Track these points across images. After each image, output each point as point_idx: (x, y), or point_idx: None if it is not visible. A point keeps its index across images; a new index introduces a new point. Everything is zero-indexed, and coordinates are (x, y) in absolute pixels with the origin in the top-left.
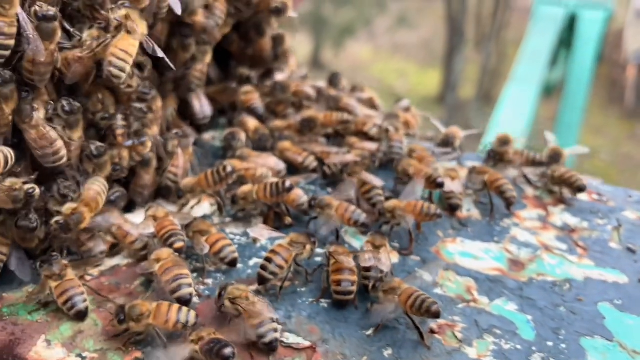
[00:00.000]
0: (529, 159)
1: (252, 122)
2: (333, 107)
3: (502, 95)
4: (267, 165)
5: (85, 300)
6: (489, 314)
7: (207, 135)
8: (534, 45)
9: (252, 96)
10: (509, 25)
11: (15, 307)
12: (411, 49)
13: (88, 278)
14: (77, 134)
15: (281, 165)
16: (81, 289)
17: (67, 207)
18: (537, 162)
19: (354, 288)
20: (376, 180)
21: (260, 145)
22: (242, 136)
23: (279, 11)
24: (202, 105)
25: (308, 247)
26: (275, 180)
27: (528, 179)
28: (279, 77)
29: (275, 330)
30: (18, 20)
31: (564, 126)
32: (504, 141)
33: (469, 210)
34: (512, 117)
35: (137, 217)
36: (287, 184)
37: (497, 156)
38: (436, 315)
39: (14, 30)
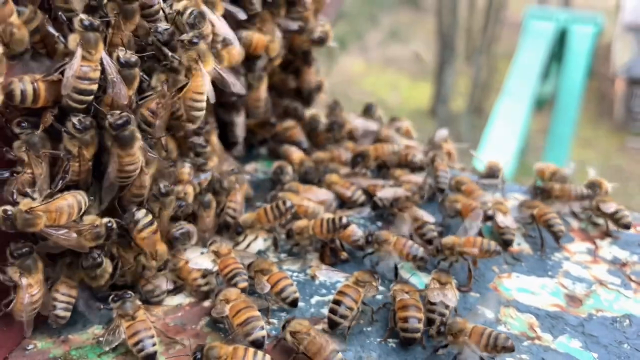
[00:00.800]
0: (577, 195)
1: (296, 154)
2: (373, 138)
3: (495, 109)
4: (318, 198)
5: (154, 344)
6: (555, 352)
7: (249, 167)
8: (525, 60)
9: (295, 131)
10: (499, 39)
11: (84, 350)
12: (403, 63)
13: (153, 319)
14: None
15: (331, 197)
16: (152, 331)
17: (25, 203)
18: (585, 196)
19: (421, 325)
20: (428, 216)
21: (306, 178)
22: (290, 169)
23: (322, 41)
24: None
25: (374, 284)
26: (331, 216)
27: (576, 214)
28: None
29: None
30: (102, 64)
31: (555, 139)
32: (550, 177)
33: (519, 244)
34: (505, 130)
35: (193, 253)
36: (344, 220)
37: (545, 193)
38: (512, 350)
39: (97, 74)
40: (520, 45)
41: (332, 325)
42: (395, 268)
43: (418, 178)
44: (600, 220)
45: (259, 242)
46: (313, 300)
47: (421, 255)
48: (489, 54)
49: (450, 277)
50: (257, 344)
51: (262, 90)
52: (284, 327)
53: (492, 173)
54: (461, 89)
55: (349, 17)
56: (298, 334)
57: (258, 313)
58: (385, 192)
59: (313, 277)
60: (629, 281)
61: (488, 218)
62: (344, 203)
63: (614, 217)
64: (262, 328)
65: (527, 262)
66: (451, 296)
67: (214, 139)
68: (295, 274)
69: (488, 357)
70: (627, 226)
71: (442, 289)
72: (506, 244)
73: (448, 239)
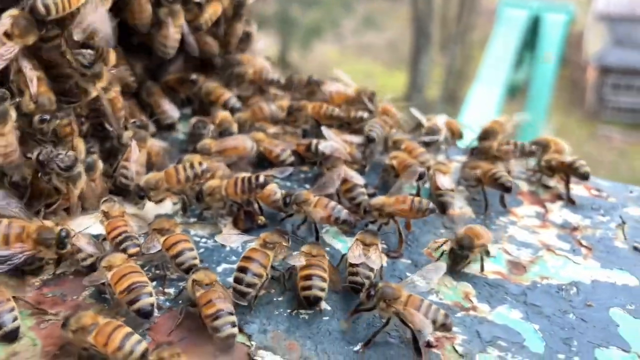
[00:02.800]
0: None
1: (221, 114)
2: (316, 91)
3: (468, 96)
4: (233, 144)
5: (15, 319)
6: (492, 323)
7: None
8: (498, 47)
9: (221, 91)
10: (474, 28)
11: None
12: (378, 51)
13: (27, 289)
14: None
15: (249, 144)
16: (10, 304)
17: None
18: (528, 152)
19: (324, 284)
20: (358, 178)
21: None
22: (210, 127)
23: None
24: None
25: (284, 245)
26: (246, 174)
27: (509, 171)
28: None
29: (234, 325)
30: None
31: (528, 126)
32: (485, 135)
33: (461, 208)
34: (478, 117)
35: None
36: (262, 178)
37: (483, 152)
38: (449, 329)
39: None
40: (494, 33)
41: (239, 297)
42: (316, 231)
43: (356, 138)
44: (552, 182)
45: (167, 206)
46: (220, 268)
47: (344, 218)
48: (464, 42)
49: (377, 238)
50: (143, 314)
51: (172, 30)
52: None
53: (431, 133)
54: (436, 77)
55: (323, 4)
56: (197, 284)
57: (146, 279)
58: (326, 144)
59: (224, 245)
60: (578, 246)
61: (420, 177)
62: (271, 164)
63: (571, 167)
64: (150, 295)
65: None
66: (375, 258)
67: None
68: (203, 239)
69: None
70: (585, 176)
71: (366, 249)
72: (444, 206)
73: (377, 199)
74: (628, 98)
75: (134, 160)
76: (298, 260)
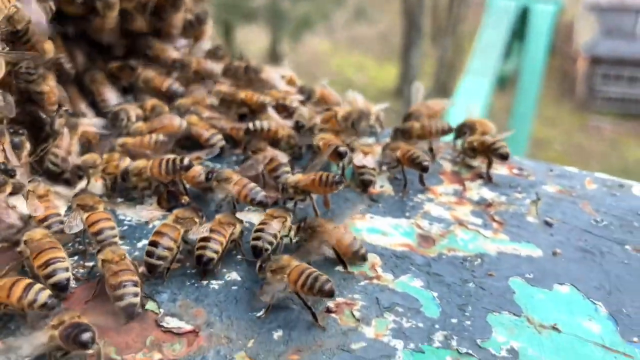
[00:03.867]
0: (438, 130)
1: (150, 101)
2: (254, 79)
3: (458, 87)
4: (162, 123)
5: None
6: (392, 291)
7: None
8: (488, 38)
9: (158, 79)
10: (465, 19)
11: None
12: (369, 43)
13: None
14: None
15: (177, 121)
16: None
17: None
18: (447, 130)
19: (219, 247)
20: (282, 157)
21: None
22: (132, 114)
23: None
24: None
25: (195, 220)
26: (172, 156)
27: (432, 149)
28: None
29: (135, 295)
30: None
31: (518, 117)
32: (407, 116)
33: (382, 186)
34: (467, 108)
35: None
36: (185, 161)
37: (405, 133)
38: (330, 295)
39: None
40: (483, 23)
41: (151, 269)
42: (234, 206)
43: (288, 122)
44: (475, 162)
45: (97, 186)
46: (140, 244)
47: (259, 199)
48: (455, 34)
49: (288, 214)
50: (59, 287)
51: (108, 21)
52: (98, 252)
53: (359, 120)
54: (427, 69)
55: None
56: (105, 262)
57: (63, 254)
58: (259, 122)
59: (147, 222)
60: (491, 221)
61: (339, 155)
62: (202, 147)
63: (491, 148)
64: (66, 270)
65: (386, 203)
66: (275, 225)
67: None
68: (128, 218)
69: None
70: (504, 156)
71: (269, 218)
72: (364, 184)
73: (293, 177)
74: (617, 88)
75: (63, 147)
76: (201, 232)
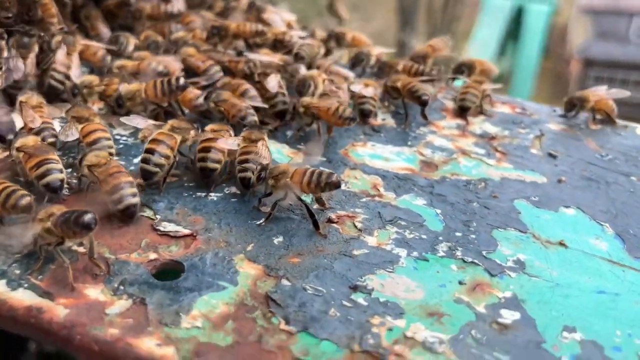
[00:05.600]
0: (418, 71)
1: (146, 32)
2: (254, 19)
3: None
4: (162, 62)
5: None
6: (395, 207)
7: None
8: (483, 36)
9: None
10: (460, 18)
11: None
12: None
13: None
14: None
15: (176, 65)
16: None
17: None
18: (421, 73)
19: (220, 157)
20: (278, 86)
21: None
22: (131, 40)
23: None
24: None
25: (192, 132)
26: (166, 77)
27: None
28: None
29: (134, 195)
30: None
31: None
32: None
33: (384, 119)
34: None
35: None
36: (181, 80)
37: (387, 67)
38: (337, 185)
39: None
40: (478, 22)
41: (146, 176)
42: (233, 127)
43: (286, 57)
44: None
45: (95, 109)
46: (136, 160)
47: (249, 120)
48: (450, 33)
49: (263, 134)
50: (52, 188)
51: None
52: (80, 163)
53: (358, 59)
54: None
55: None
56: (95, 167)
57: (56, 157)
58: (256, 55)
59: (143, 140)
60: (494, 152)
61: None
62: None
63: (411, 91)
64: (61, 171)
65: (388, 134)
66: (264, 153)
67: None
68: (124, 137)
69: (311, 202)
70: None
71: (253, 146)
72: (364, 114)
73: (305, 99)
74: None
75: (60, 63)
76: (203, 136)
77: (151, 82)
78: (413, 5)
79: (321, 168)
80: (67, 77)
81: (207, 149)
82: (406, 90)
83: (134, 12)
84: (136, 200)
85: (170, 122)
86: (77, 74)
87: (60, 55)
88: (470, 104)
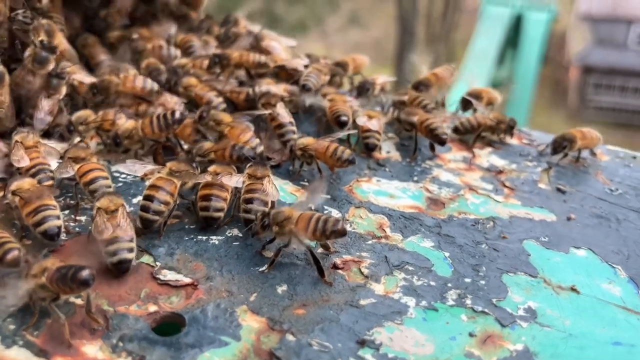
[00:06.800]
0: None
1: (147, 61)
2: (253, 46)
3: (450, 93)
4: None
5: None
6: (402, 250)
7: None
8: (482, 44)
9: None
10: (458, 26)
11: None
12: (363, 49)
13: None
14: None
15: (173, 101)
16: None
17: None
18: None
19: (224, 205)
20: (288, 117)
21: (157, 79)
22: (131, 72)
23: None
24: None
25: (191, 172)
26: (162, 111)
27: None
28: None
29: (130, 250)
30: None
31: None
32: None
33: (388, 152)
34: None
35: None
36: (177, 114)
37: (397, 104)
38: (343, 234)
39: None
40: (477, 30)
41: (146, 225)
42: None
43: (291, 87)
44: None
45: (92, 145)
46: (135, 200)
47: (246, 155)
48: (448, 41)
49: (267, 170)
50: (49, 235)
51: None
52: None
53: (363, 88)
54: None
55: (309, 1)
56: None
57: (54, 203)
58: (263, 86)
59: (143, 179)
60: (502, 187)
61: (340, 123)
62: None
63: (429, 129)
64: (58, 218)
65: (394, 168)
66: (271, 190)
67: None
68: (123, 175)
69: (315, 245)
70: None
71: (259, 184)
72: (369, 147)
73: (303, 139)
74: (609, 97)
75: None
76: (202, 178)
77: (147, 119)
78: (412, 13)
79: (326, 214)
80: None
81: (208, 198)
82: (423, 126)
83: (134, 48)
84: (131, 256)
85: (169, 164)
86: (41, 117)
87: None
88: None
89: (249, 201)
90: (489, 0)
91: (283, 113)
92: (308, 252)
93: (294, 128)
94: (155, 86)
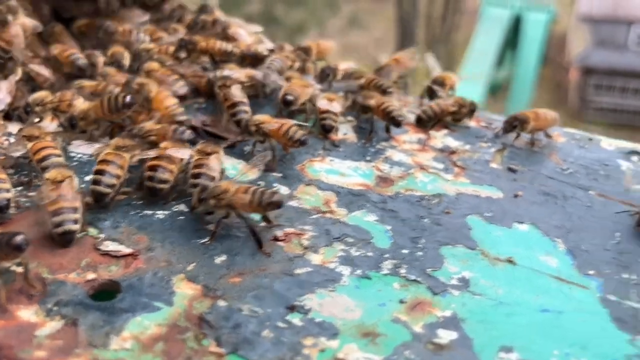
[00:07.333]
0: (376, 85)
1: (113, 48)
2: (220, 34)
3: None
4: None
5: None
6: (344, 224)
7: None
8: (481, 45)
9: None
10: (458, 28)
11: None
12: (363, 50)
13: None
14: None
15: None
16: None
17: None
18: (381, 87)
19: (168, 177)
20: (242, 96)
21: (119, 66)
22: (100, 60)
23: None
24: None
25: (137, 148)
26: (115, 92)
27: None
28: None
29: (75, 222)
30: None
31: None
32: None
33: (345, 134)
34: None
35: None
36: (128, 98)
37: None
38: (279, 205)
39: None
40: (477, 31)
41: (98, 198)
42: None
43: (254, 72)
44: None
45: (51, 126)
46: (88, 178)
47: (187, 139)
48: (449, 42)
49: (218, 147)
50: None
51: None
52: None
53: (324, 73)
54: (421, 77)
55: (309, 3)
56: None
57: (4, 176)
58: (226, 72)
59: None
60: (452, 166)
61: (285, 102)
62: None
63: (386, 111)
64: (7, 191)
65: (348, 148)
66: (214, 165)
67: None
68: (79, 155)
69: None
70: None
71: (205, 158)
72: (325, 129)
73: (258, 117)
74: (609, 98)
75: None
76: (147, 155)
77: (98, 101)
78: (412, 15)
79: (263, 186)
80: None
81: (154, 168)
82: (380, 109)
83: (105, 29)
84: (76, 227)
85: (113, 141)
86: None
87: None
88: (425, 116)
89: (197, 176)
90: (489, 2)
91: (236, 93)
92: (246, 227)
93: (247, 108)
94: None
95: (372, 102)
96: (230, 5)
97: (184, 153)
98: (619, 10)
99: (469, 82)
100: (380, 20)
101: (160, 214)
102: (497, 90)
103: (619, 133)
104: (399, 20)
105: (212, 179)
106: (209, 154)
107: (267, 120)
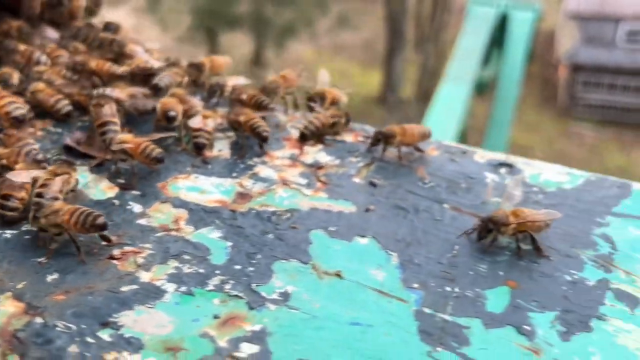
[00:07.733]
0: (257, 102)
1: (3, 69)
2: (117, 52)
3: (436, 93)
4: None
5: None
6: (187, 242)
7: None
8: (467, 44)
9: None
10: (447, 27)
11: None
12: (353, 50)
13: None
14: None
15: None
16: None
17: None
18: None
19: (17, 205)
20: (112, 116)
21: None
22: None
23: None
24: None
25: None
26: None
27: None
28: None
29: None
30: None
31: (496, 123)
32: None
33: (220, 150)
34: (445, 114)
35: None
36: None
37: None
38: (102, 228)
39: None
40: (463, 30)
41: None
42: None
43: (141, 90)
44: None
45: None
46: None
47: (38, 160)
48: (438, 41)
49: (72, 169)
50: None
51: None
52: None
53: (212, 89)
54: (410, 76)
55: (298, 3)
56: None
57: None
58: (107, 90)
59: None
60: (316, 181)
61: (168, 119)
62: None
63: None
64: None
65: (218, 165)
66: (55, 187)
67: None
68: None
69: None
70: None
71: (50, 180)
72: (197, 147)
73: (122, 135)
74: (598, 95)
75: None
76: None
77: None
78: (401, 14)
79: (90, 209)
80: None
81: (6, 197)
82: (248, 125)
83: (5, 47)
84: None
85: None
86: None
87: None
88: (306, 131)
89: (38, 195)
90: (474, 0)
91: (107, 111)
92: (75, 247)
93: (117, 127)
94: None
95: (241, 118)
96: (219, 7)
97: (25, 176)
98: (606, 7)
99: (455, 82)
100: (369, 20)
101: (9, 233)
102: (484, 89)
103: (608, 129)
104: (388, 20)
105: (55, 199)
106: (57, 174)
107: (129, 139)
